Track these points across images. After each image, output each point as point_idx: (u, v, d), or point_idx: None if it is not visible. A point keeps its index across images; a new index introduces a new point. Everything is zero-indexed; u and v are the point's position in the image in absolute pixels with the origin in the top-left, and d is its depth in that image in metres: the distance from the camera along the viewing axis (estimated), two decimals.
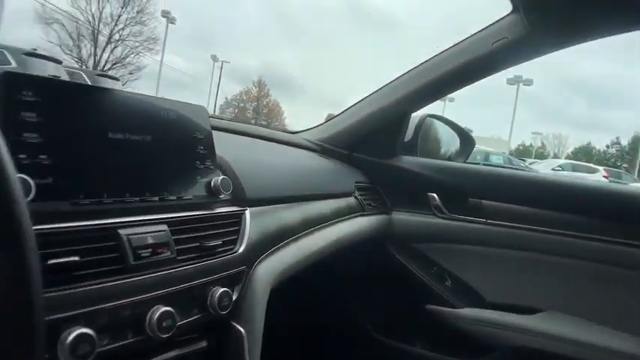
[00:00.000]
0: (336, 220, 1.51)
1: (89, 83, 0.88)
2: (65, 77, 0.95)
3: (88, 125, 0.79)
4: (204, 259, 0.92)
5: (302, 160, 1.67)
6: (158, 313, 0.79)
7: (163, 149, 0.90)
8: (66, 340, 0.67)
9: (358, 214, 1.68)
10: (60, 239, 0.71)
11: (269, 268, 1.11)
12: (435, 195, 1.87)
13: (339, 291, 2.01)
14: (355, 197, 1.70)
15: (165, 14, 32.79)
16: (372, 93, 1.92)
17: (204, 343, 0.98)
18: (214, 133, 1.04)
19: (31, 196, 0.67)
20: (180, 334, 0.87)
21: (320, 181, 1.53)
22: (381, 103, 1.86)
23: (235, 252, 1.00)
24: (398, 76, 1.86)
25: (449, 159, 2.25)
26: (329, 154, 1.90)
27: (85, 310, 0.72)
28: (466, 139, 2.28)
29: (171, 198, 0.89)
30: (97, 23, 27.18)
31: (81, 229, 0.74)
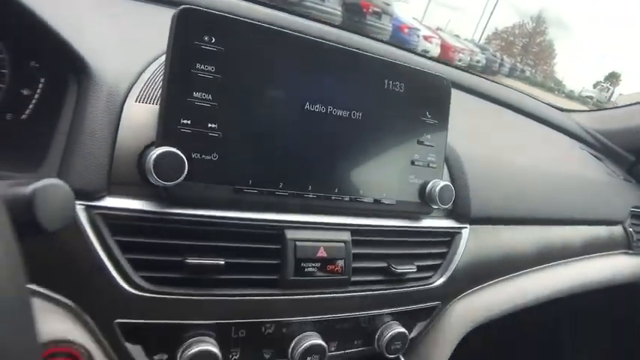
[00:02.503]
0: (587, 256, 1.10)
1: None
2: None
3: (280, 90, 0.59)
4: (387, 287, 0.70)
5: (565, 158, 1.24)
6: (305, 346, 0.62)
7: (374, 133, 0.66)
8: (185, 354, 0.55)
9: (621, 251, 1.22)
10: (206, 232, 0.57)
11: (471, 310, 0.83)
12: None
13: (554, 345, 1.58)
14: (624, 227, 1.22)
15: None
16: None
17: None
18: (454, 93, 0.75)
19: (182, 177, 0.52)
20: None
21: (583, 197, 1.11)
22: None
23: (431, 283, 0.75)
24: None
25: None
26: (607, 154, 1.40)
27: (216, 321, 0.58)
28: None
29: (366, 200, 0.66)
30: None
31: (236, 222, 0.58)
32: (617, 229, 1.21)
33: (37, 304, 0.53)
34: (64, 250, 0.52)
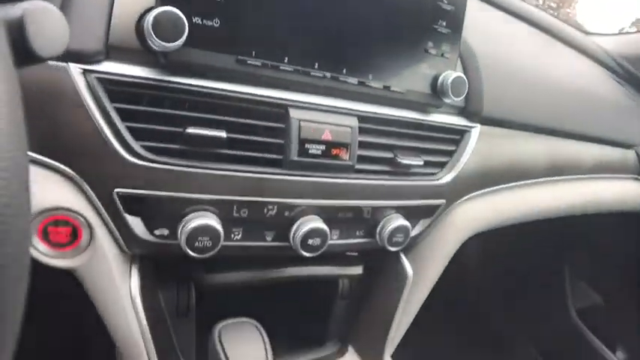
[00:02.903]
0: (597, 175, 1.07)
1: None
2: None
3: None
4: (391, 178, 0.68)
5: (583, 77, 1.20)
6: (306, 229, 0.61)
7: (386, 12, 0.62)
8: (186, 227, 0.55)
9: (632, 176, 1.19)
10: (207, 104, 0.55)
11: (475, 213, 0.82)
12: None
13: (550, 260, 1.59)
14: (637, 152, 1.20)
15: None
16: None
17: (359, 270, 0.79)
18: (473, 3, 0.70)
19: (181, 40, 0.49)
20: (333, 251, 0.70)
21: (599, 115, 1.07)
22: None
23: (438, 179, 0.73)
24: None
25: None
26: (628, 80, 1.35)
27: (217, 197, 0.57)
28: None
29: (375, 85, 0.63)
30: None
31: (239, 95, 0.56)
32: (630, 154, 1.19)
33: (37, 171, 0.53)
34: (62, 117, 0.50)
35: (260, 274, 0.71)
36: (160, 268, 0.68)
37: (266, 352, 0.52)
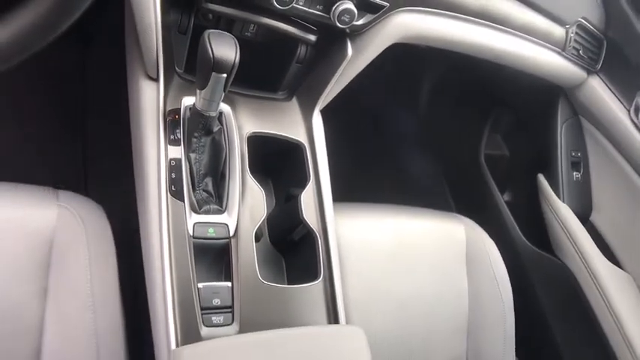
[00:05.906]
0: (524, 35, 1.31)
1: None
2: None
3: None
4: None
5: None
6: None
7: None
8: None
9: (555, 48, 1.42)
10: None
11: (411, 24, 1.08)
12: None
13: None
14: (567, 31, 1.40)
15: None
16: None
17: (312, 37, 1.06)
18: None
19: None
20: (297, 13, 0.97)
21: None
22: None
23: None
24: None
25: None
26: None
27: None
28: None
29: None
30: None
31: None
32: (560, 32, 1.38)
33: None
34: None
35: (249, 15, 0.98)
36: None
37: (235, 54, 0.80)
